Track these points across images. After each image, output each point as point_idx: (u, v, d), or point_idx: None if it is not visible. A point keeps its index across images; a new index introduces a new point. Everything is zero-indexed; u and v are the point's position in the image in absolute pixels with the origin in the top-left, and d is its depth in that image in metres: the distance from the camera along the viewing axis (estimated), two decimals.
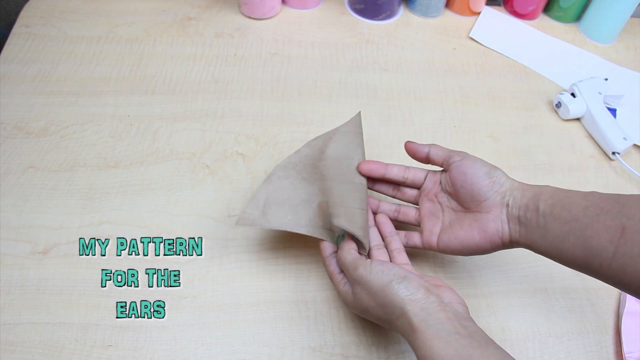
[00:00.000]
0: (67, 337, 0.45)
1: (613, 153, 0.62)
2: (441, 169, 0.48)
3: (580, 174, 0.62)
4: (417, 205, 0.49)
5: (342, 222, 0.44)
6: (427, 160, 0.48)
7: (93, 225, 0.51)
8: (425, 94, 0.67)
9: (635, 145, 0.65)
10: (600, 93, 0.66)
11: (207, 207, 0.54)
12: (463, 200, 0.45)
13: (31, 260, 0.49)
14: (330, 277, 0.44)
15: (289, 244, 0.52)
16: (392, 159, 0.57)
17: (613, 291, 0.52)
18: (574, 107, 0.65)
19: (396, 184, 0.50)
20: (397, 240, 0.47)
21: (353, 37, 0.73)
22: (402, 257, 0.46)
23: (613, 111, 0.66)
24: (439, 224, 0.47)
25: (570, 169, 0.62)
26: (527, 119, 0.66)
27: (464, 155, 0.45)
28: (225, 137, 0.60)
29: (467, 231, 0.44)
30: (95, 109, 0.61)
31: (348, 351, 0.46)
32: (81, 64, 0.65)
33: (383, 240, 0.48)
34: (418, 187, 0.49)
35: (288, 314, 0.48)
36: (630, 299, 0.51)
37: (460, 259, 0.53)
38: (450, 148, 0.47)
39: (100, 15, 0.71)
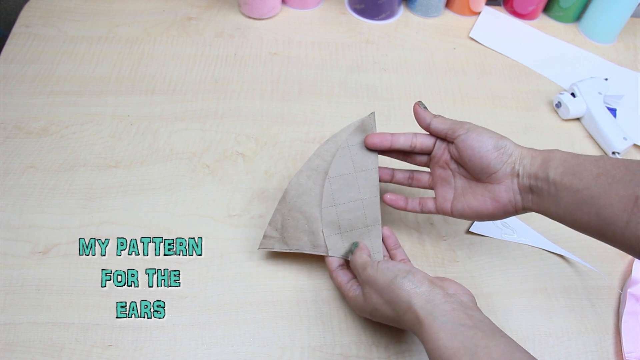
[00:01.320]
0: (67, 337, 0.45)
1: (613, 153, 0.62)
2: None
3: None
4: (429, 168, 0.49)
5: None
6: (428, 130, 0.47)
7: (93, 225, 0.51)
8: (425, 94, 0.67)
9: (635, 145, 0.65)
10: (600, 93, 0.66)
11: (207, 207, 0.54)
12: (472, 171, 0.44)
13: (31, 260, 0.49)
14: (339, 288, 0.46)
15: None
16: (392, 159, 0.57)
17: (613, 291, 0.52)
18: (574, 107, 0.65)
19: (405, 152, 0.49)
20: (401, 252, 0.48)
21: (353, 37, 0.73)
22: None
23: (613, 111, 0.66)
24: (451, 190, 0.47)
25: None
26: (527, 119, 0.66)
27: (468, 127, 0.44)
28: (225, 137, 0.60)
29: (480, 201, 0.44)
30: (95, 109, 0.61)
31: (348, 351, 0.46)
32: (81, 64, 0.65)
33: (388, 252, 0.49)
34: (428, 154, 0.48)
35: (288, 314, 0.48)
36: (630, 299, 0.51)
37: (461, 258, 0.53)
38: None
39: (100, 15, 0.71)
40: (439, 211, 0.47)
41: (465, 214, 0.45)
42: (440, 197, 0.47)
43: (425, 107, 0.47)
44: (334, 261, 0.47)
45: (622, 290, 0.52)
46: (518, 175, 0.42)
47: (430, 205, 0.48)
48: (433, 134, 0.47)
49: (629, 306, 0.50)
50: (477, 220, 0.46)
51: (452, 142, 0.45)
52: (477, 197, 0.44)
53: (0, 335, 0.44)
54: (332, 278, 0.47)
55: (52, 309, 0.46)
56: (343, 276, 0.46)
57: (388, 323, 0.42)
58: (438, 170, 0.48)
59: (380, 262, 0.42)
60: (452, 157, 0.46)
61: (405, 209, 0.49)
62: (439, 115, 0.46)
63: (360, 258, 0.44)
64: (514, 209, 0.43)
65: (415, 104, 0.47)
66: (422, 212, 0.49)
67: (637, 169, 0.36)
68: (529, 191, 0.41)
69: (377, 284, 0.40)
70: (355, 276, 0.45)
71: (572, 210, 0.38)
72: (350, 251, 0.46)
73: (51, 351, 0.44)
